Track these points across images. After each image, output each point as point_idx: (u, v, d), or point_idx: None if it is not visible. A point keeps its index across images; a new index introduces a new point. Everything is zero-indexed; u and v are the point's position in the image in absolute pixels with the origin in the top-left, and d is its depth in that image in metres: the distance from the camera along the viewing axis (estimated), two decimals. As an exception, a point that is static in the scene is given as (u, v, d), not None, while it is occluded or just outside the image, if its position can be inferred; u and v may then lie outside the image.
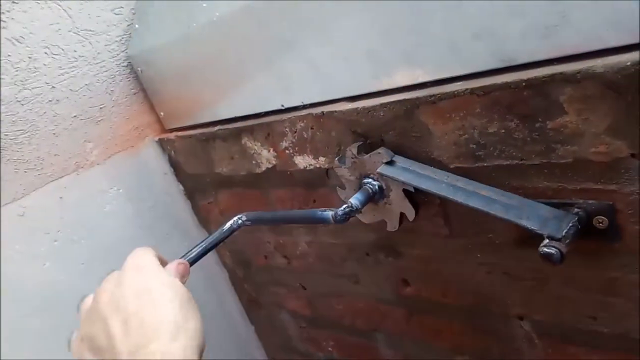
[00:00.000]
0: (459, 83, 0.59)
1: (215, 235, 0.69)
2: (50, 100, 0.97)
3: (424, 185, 0.62)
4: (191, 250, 0.65)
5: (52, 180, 0.98)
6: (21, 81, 0.93)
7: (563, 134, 0.53)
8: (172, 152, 1.11)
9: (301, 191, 0.90)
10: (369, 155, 0.69)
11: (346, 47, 0.68)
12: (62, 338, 0.95)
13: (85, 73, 1.02)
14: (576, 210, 0.56)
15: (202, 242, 0.67)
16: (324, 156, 0.80)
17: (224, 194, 1.08)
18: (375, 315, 0.96)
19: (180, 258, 0.61)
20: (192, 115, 1.03)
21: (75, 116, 1.01)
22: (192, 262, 0.63)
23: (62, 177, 0.99)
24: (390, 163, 0.66)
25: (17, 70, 0.92)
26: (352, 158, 0.71)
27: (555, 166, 0.56)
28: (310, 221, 0.76)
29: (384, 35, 0.63)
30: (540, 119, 0.54)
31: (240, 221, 0.71)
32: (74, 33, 1.00)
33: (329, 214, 0.66)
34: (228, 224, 0.70)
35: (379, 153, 0.67)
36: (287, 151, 0.85)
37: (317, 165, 0.82)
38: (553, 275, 0.65)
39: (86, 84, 1.02)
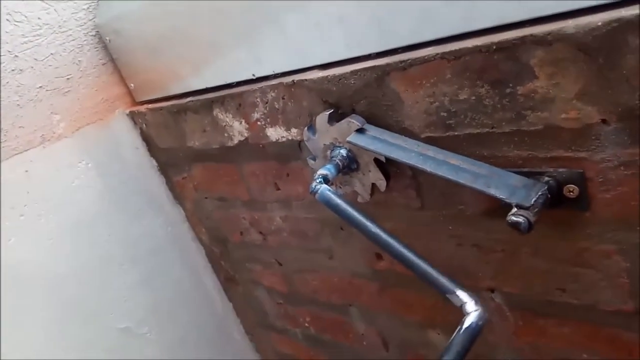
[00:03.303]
0: (429, 48, 0.57)
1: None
2: (13, 70, 0.93)
3: (394, 154, 0.60)
4: None
5: (17, 154, 0.94)
6: (-19, 49, 0.89)
7: (533, 100, 0.52)
8: (144, 125, 1.08)
9: (274, 164, 0.88)
10: (339, 123, 0.67)
11: (318, 13, 0.66)
12: (28, 314, 0.94)
13: (50, 42, 0.97)
14: (546, 179, 0.54)
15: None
16: (295, 127, 0.78)
17: (197, 168, 1.05)
18: (349, 289, 0.95)
19: None
20: (163, 86, 0.99)
21: (40, 87, 0.97)
22: None
23: (28, 150, 0.96)
24: (360, 131, 0.64)
25: (-24, 38, 0.88)
26: (322, 127, 0.69)
27: (525, 134, 0.54)
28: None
29: (356, 0, 0.60)
30: (510, 85, 0.52)
31: None
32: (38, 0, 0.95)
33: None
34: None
35: (350, 121, 0.65)
36: (258, 123, 0.83)
37: (289, 137, 0.80)
38: (523, 247, 0.64)
39: (52, 54, 0.98)
